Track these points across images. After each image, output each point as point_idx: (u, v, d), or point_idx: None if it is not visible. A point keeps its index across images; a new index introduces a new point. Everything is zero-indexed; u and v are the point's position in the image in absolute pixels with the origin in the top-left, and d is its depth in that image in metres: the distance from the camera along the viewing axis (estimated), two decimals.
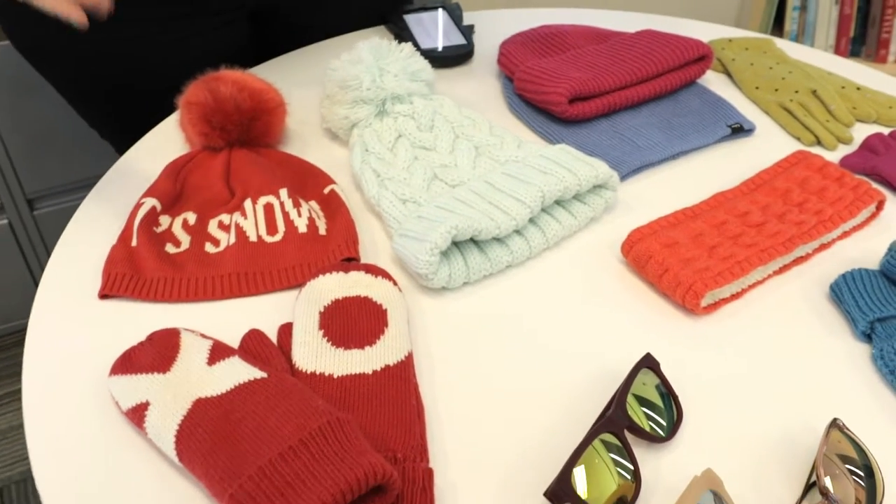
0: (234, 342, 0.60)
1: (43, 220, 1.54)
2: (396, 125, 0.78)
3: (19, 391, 1.60)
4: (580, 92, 0.81)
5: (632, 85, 0.85)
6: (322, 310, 0.60)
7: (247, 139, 0.77)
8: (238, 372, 0.54)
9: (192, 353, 0.57)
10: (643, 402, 0.55)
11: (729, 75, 0.94)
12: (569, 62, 0.86)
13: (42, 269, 1.61)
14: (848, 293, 0.63)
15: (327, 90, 0.81)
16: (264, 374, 0.54)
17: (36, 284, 1.62)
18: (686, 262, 0.64)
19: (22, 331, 1.69)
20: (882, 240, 0.71)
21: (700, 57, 0.89)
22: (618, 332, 0.62)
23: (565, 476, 0.49)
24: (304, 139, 0.83)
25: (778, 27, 1.64)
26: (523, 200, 0.67)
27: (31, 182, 1.48)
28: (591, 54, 0.88)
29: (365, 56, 0.80)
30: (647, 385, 0.56)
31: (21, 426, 1.54)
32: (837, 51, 1.60)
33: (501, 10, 1.09)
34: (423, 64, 0.82)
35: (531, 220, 0.70)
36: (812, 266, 0.69)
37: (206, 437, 0.51)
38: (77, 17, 0.63)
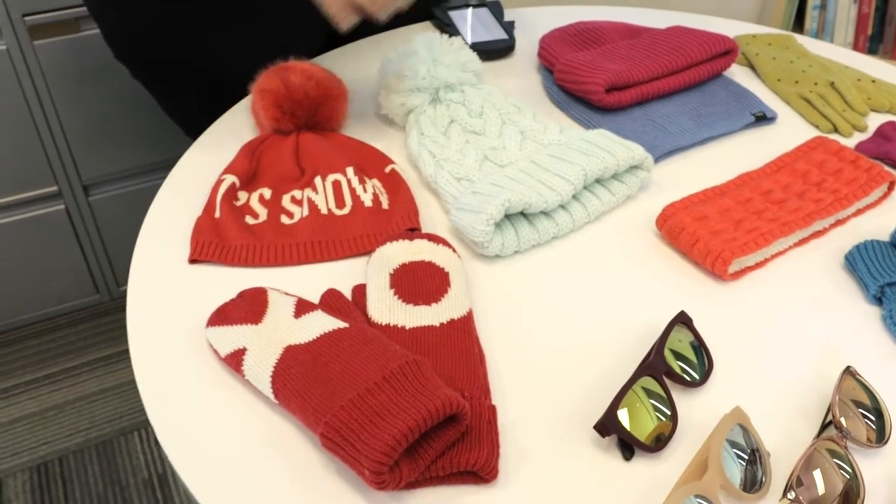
0: (315, 300, 0.67)
1: (98, 205, 1.63)
2: (449, 112, 0.86)
3: (70, 369, 1.70)
4: (616, 82, 0.88)
5: (663, 76, 0.92)
6: (392, 272, 0.68)
7: (313, 123, 0.85)
8: (323, 323, 0.62)
9: (279, 307, 0.65)
10: (678, 355, 0.63)
11: (753, 68, 1.01)
12: (605, 55, 0.93)
13: (95, 253, 1.70)
14: (861, 262, 0.70)
15: (385, 79, 0.89)
16: (346, 324, 0.61)
17: (89, 268, 1.71)
18: (715, 234, 0.71)
19: (74, 311, 1.78)
20: (893, 216, 0.78)
21: (726, 51, 0.96)
22: (654, 294, 0.70)
23: (612, 412, 0.56)
24: (364, 124, 0.91)
25: (798, 25, 1.71)
26: (567, 178, 0.75)
27: (87, 169, 1.57)
28: (625, 48, 0.95)
29: (420, 48, 0.88)
30: (682, 341, 0.64)
31: (72, 402, 1.63)
32: (856, 48, 1.66)
33: (539, 7, 1.17)
34: (472, 56, 0.90)
35: (574, 197, 0.77)
36: (829, 240, 0.76)
37: (298, 377, 0.59)
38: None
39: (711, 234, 0.71)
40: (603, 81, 0.88)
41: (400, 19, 1.10)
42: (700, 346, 0.64)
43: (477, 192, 0.74)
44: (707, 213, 0.74)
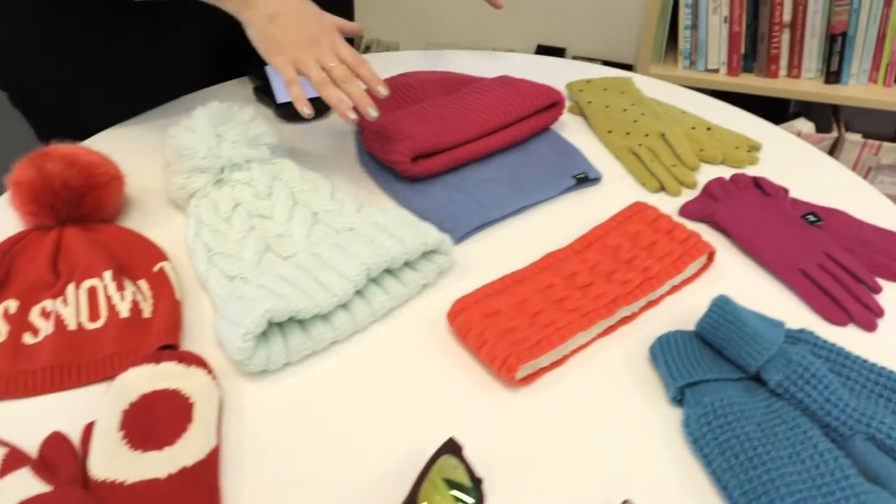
0: (42, 442, 0.58)
1: None
2: (234, 194, 0.77)
3: None
4: (423, 149, 0.81)
5: (480, 137, 0.85)
6: (127, 407, 0.59)
7: (79, 216, 0.75)
8: (24, 485, 0.53)
9: None
10: (451, 484, 0.55)
11: (586, 118, 0.94)
12: (415, 117, 0.86)
13: None
14: (662, 358, 0.63)
15: (167, 158, 0.80)
16: (49, 489, 0.52)
17: None
18: (505, 333, 0.64)
19: None
20: (711, 292, 0.72)
21: (552, 103, 0.89)
22: (438, 408, 0.62)
23: None
24: (146, 209, 0.81)
25: (673, 45, 1.66)
26: (347, 276, 0.67)
27: None
28: (439, 107, 0.87)
29: (200, 124, 0.79)
30: (456, 468, 0.56)
31: None
32: (730, 67, 1.62)
33: (380, 54, 1.08)
34: (265, 128, 0.81)
35: (359, 292, 0.69)
36: (638, 325, 0.69)
37: None
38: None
39: (500, 334, 0.64)
40: (407, 150, 0.80)
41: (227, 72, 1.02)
42: (472, 478, 0.56)
43: (241, 298, 0.65)
44: (500, 307, 0.66)
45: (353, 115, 0.75)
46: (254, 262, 0.72)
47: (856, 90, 1.60)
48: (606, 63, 1.96)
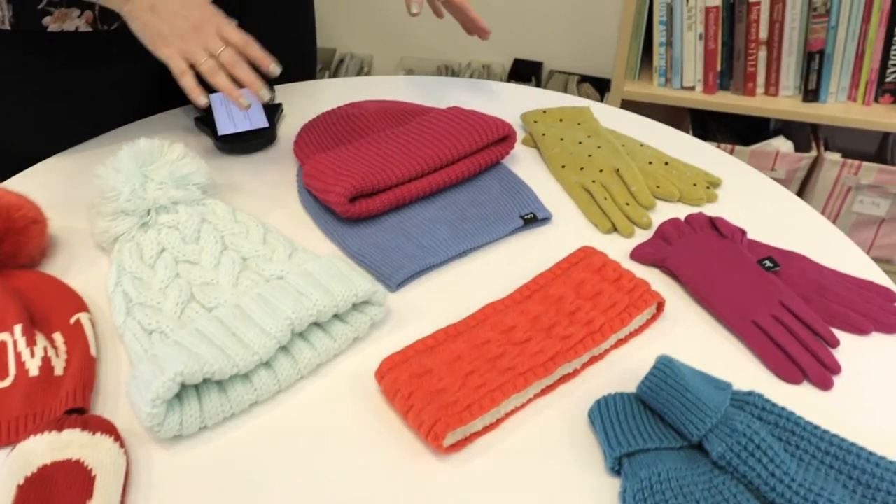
0: None
1: None
2: (160, 238, 0.73)
3: None
4: (362, 189, 0.77)
5: (425, 174, 0.81)
6: (22, 482, 0.55)
7: None
8: None
9: None
10: None
11: (539, 151, 0.91)
12: (356, 153, 0.82)
13: None
14: (600, 423, 0.59)
15: (93, 199, 0.76)
16: None
17: None
18: (434, 395, 0.60)
19: None
20: (659, 345, 0.68)
21: (503, 137, 0.85)
22: (364, 474, 0.58)
23: None
24: (72, 251, 0.77)
25: (648, 63, 1.62)
26: (269, 332, 0.63)
27: None
28: (382, 142, 0.83)
29: (125, 164, 0.75)
30: None
31: None
32: (706, 85, 1.58)
33: (337, 79, 1.05)
34: (195, 166, 0.77)
35: (284, 348, 0.65)
36: (580, 383, 0.65)
37: None
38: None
39: (429, 397, 0.60)
40: (345, 190, 0.76)
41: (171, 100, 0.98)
42: None
43: (155, 357, 0.61)
44: (431, 366, 0.62)
45: (246, 102, 0.76)
46: (175, 314, 0.68)
47: (835, 108, 1.56)
48: (584, 78, 1.93)
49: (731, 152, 1.62)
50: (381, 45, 2.01)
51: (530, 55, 1.95)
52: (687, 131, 1.69)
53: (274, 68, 0.78)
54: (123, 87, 0.93)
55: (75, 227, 0.79)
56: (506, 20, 1.90)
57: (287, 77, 1.01)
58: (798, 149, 1.64)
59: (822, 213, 1.68)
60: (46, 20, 0.84)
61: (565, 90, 1.90)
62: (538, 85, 1.93)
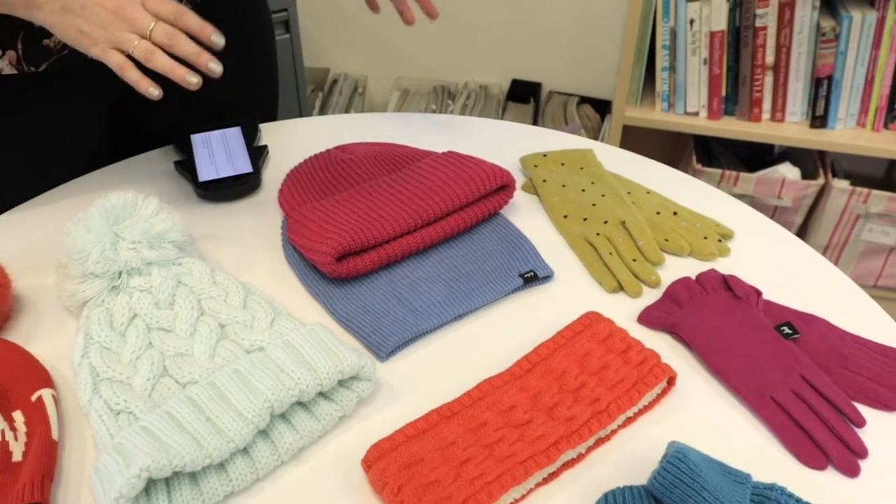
0: None
1: None
2: (131, 303, 0.68)
3: None
4: (350, 247, 0.71)
5: (418, 229, 0.76)
6: None
7: None
8: None
9: None
10: None
11: (540, 198, 0.85)
12: (345, 205, 0.76)
13: None
14: None
15: (60, 259, 0.71)
16: None
17: None
18: (425, 489, 0.55)
19: None
20: (671, 424, 0.63)
21: (502, 186, 0.80)
22: None
23: None
24: (38, 314, 0.72)
25: (651, 87, 1.57)
26: (246, 416, 0.58)
27: None
28: (374, 192, 0.78)
29: (95, 223, 0.69)
30: None
31: None
32: (711, 111, 1.53)
33: (327, 117, 0.99)
34: (171, 223, 0.72)
35: (262, 432, 0.60)
36: (585, 469, 0.60)
37: None
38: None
39: (419, 491, 0.55)
40: (332, 249, 0.70)
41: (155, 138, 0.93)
42: None
43: (120, 446, 0.56)
44: (422, 454, 0.57)
45: (194, 80, 0.69)
46: (146, 391, 0.62)
47: (843, 135, 1.51)
48: (584, 99, 1.88)
49: (737, 180, 1.57)
50: (375, 64, 1.96)
51: (529, 75, 1.90)
52: (690, 157, 1.64)
53: (216, 38, 0.70)
54: (74, 129, 0.88)
55: (42, 284, 0.74)
56: (504, 39, 1.86)
57: (247, 110, 0.96)
58: (805, 175, 1.60)
59: (830, 241, 1.63)
60: None
61: (565, 112, 1.85)
62: (537, 106, 1.88)
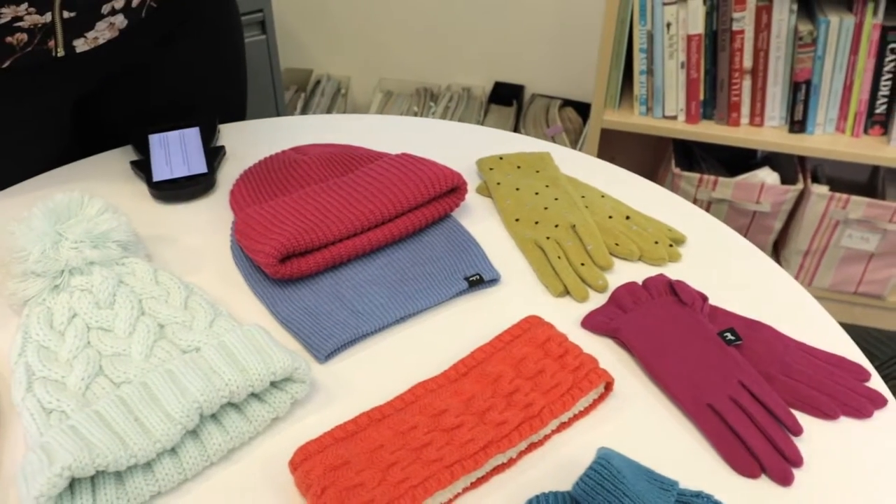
0: None
1: None
2: (72, 302, 0.68)
3: None
4: (294, 248, 0.71)
5: (364, 231, 0.75)
6: None
7: None
8: None
9: None
10: None
11: (494, 201, 0.85)
12: (292, 207, 0.76)
13: None
14: None
15: (3, 258, 0.71)
16: None
17: None
18: (348, 492, 0.55)
19: None
20: (606, 429, 0.63)
21: (452, 189, 0.80)
22: None
23: None
24: None
25: (629, 91, 1.57)
26: (174, 417, 0.57)
27: None
28: (322, 193, 0.78)
29: (37, 222, 0.69)
30: None
31: None
32: (689, 115, 1.52)
33: (290, 118, 0.99)
34: (116, 222, 0.72)
35: (193, 431, 0.60)
36: (515, 474, 0.59)
37: None
38: None
39: (342, 494, 0.54)
40: (274, 250, 0.70)
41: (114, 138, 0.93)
42: None
43: (47, 444, 0.56)
44: (349, 457, 0.57)
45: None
46: (80, 390, 0.62)
47: (822, 140, 1.51)
48: (567, 102, 1.88)
49: (715, 184, 1.56)
50: (358, 66, 1.96)
51: (512, 78, 1.90)
52: (670, 160, 1.63)
53: None
54: (38, 126, 0.88)
55: None
56: (487, 42, 1.85)
57: (216, 111, 0.96)
58: (785, 180, 1.59)
59: (809, 247, 1.62)
60: None
61: (547, 114, 1.85)
62: (519, 108, 1.88)
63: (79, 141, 0.97)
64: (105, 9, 0.82)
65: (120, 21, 0.85)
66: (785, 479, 0.59)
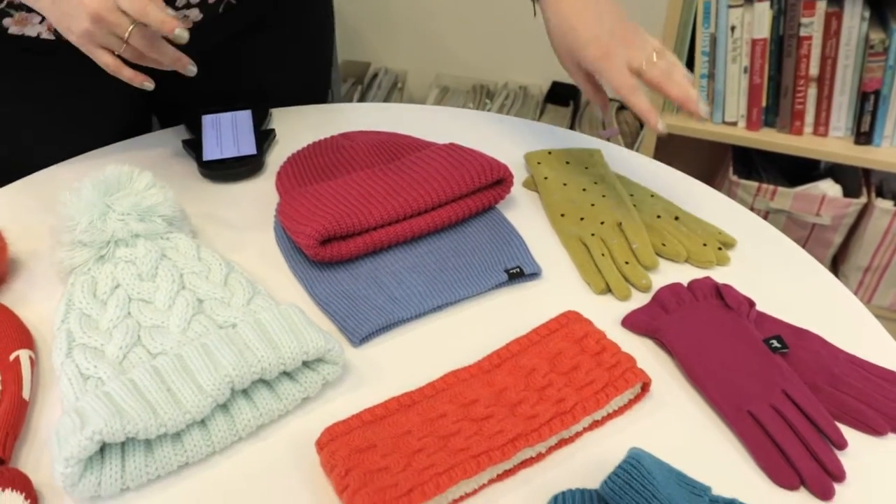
0: None
1: None
2: (116, 273, 0.69)
3: None
4: (335, 231, 0.71)
5: (407, 218, 0.75)
6: None
7: None
8: None
9: None
10: None
11: (540, 196, 0.84)
12: (337, 191, 0.76)
13: None
14: None
15: (53, 227, 0.72)
16: None
17: None
18: (372, 475, 0.54)
19: None
20: (639, 431, 0.61)
21: (498, 181, 0.79)
22: None
23: None
24: (32, 279, 0.74)
25: None
26: (205, 389, 0.58)
27: None
28: (368, 179, 0.78)
29: (86, 193, 0.71)
30: None
31: None
32: (750, 121, 1.48)
33: (343, 104, 1.00)
34: (162, 197, 0.73)
35: (222, 406, 0.60)
36: (544, 469, 0.58)
37: None
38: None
39: (366, 477, 0.54)
40: (315, 232, 0.70)
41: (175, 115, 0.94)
42: None
43: (81, 409, 0.57)
44: (375, 441, 0.56)
45: (148, 86, 0.73)
46: (117, 359, 0.63)
47: (889, 153, 1.45)
48: (623, 105, 1.84)
49: (774, 194, 1.52)
50: (416, 60, 1.96)
51: (569, 78, 1.88)
52: (728, 168, 1.59)
53: (180, 32, 0.67)
54: (101, 101, 0.90)
55: (36, 251, 0.76)
56: (546, 41, 1.84)
57: (298, 97, 0.97)
58: (847, 193, 1.53)
59: (870, 263, 1.56)
60: (7, 21, 0.81)
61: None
62: (576, 109, 1.85)
63: (146, 114, 0.99)
64: (179, 2, 0.83)
65: (195, 15, 0.86)
66: (825, 494, 0.56)
